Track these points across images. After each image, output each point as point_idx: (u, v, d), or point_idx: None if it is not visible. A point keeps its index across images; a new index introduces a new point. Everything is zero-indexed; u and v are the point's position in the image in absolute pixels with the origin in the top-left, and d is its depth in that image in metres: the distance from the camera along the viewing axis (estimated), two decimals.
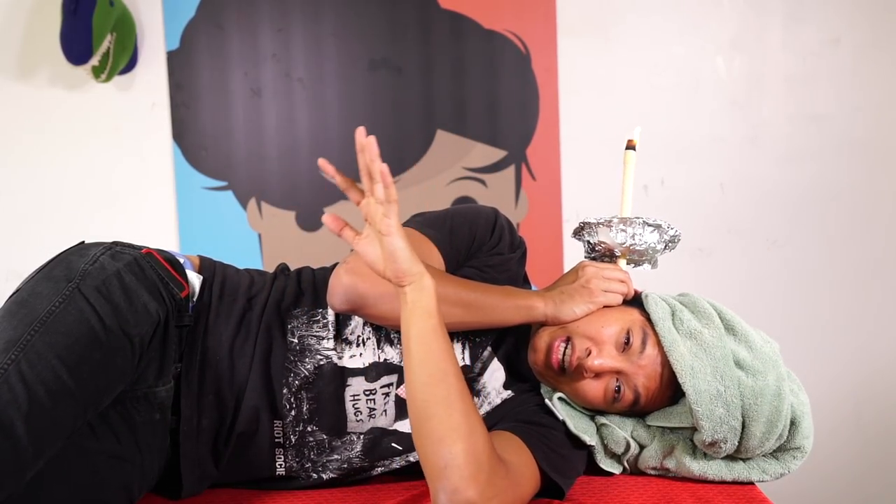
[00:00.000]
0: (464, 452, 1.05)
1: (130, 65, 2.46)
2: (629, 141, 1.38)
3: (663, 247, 1.35)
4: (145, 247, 1.29)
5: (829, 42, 2.47)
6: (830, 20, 2.47)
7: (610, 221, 1.33)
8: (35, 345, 1.07)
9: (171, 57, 2.48)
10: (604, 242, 1.34)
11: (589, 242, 1.37)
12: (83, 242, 1.29)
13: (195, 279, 1.31)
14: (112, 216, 2.53)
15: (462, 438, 1.06)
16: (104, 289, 1.17)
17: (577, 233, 1.38)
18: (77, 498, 1.15)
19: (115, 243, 1.27)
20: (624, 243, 1.33)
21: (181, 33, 2.47)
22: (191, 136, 2.50)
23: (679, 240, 1.36)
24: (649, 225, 1.32)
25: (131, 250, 1.26)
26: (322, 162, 1.04)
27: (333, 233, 1.07)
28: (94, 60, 2.32)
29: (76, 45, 2.28)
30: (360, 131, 1.01)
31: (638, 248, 1.33)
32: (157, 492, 1.30)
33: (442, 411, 1.07)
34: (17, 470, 1.01)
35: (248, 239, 2.51)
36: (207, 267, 1.35)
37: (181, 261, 1.31)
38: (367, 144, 1.01)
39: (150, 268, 1.24)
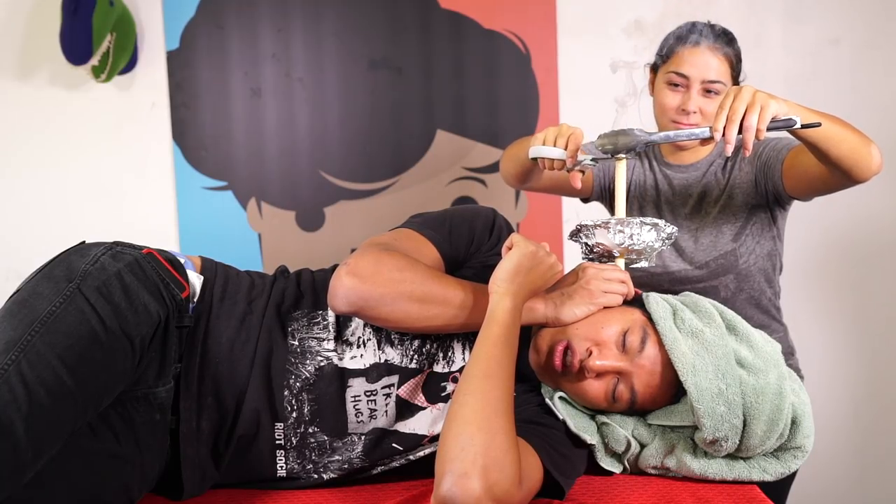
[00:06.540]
0: (482, 444, 1.06)
1: (130, 65, 2.45)
2: None
3: (661, 244, 1.36)
4: (146, 247, 1.29)
5: (829, 42, 2.47)
6: (830, 20, 2.47)
7: (607, 223, 1.34)
8: (35, 345, 1.07)
9: (171, 57, 2.47)
10: (602, 244, 1.34)
11: (586, 244, 1.37)
12: (84, 242, 1.29)
13: (196, 280, 1.31)
14: (112, 216, 2.53)
15: (485, 430, 1.07)
16: (105, 289, 1.17)
17: (574, 235, 1.39)
18: (77, 498, 1.15)
19: (116, 243, 1.27)
20: (622, 244, 1.33)
21: (181, 33, 2.47)
22: (191, 136, 2.49)
23: (675, 236, 1.37)
24: (646, 224, 1.33)
25: (132, 250, 1.26)
26: None
27: None
28: (94, 60, 2.32)
29: (76, 45, 2.28)
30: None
31: (636, 247, 1.33)
32: (159, 493, 1.30)
33: (477, 402, 1.10)
34: (16, 470, 1.01)
35: (248, 239, 2.51)
36: (209, 268, 1.35)
37: (182, 261, 1.32)
38: None
39: (151, 268, 1.24)
